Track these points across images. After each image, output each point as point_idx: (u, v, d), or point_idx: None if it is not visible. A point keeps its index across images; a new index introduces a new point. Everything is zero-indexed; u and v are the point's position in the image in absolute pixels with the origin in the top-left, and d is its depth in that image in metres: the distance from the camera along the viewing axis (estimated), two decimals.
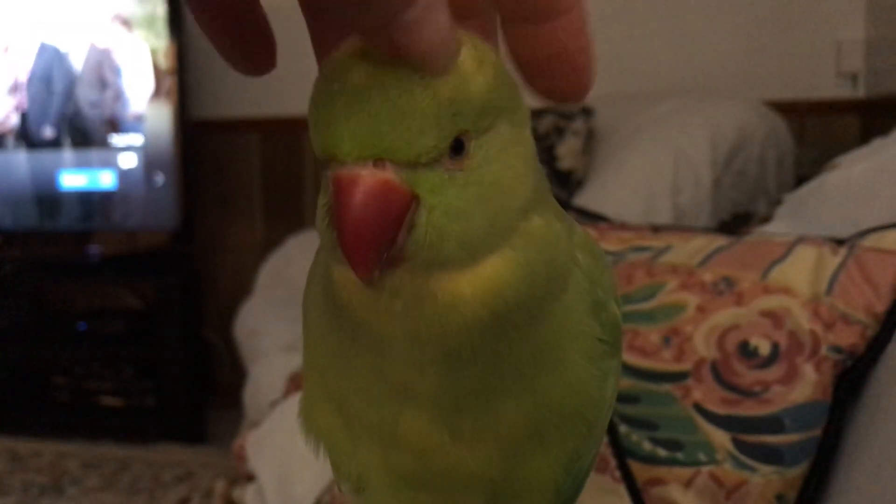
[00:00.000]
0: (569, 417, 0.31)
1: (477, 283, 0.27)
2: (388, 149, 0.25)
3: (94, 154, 2.54)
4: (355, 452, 0.33)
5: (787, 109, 2.04)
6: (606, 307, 0.32)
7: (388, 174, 0.25)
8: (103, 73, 2.51)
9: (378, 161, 0.25)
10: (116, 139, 2.53)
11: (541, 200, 0.29)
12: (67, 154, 2.56)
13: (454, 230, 0.26)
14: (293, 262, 1.99)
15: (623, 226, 0.97)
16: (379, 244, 0.26)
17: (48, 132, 2.56)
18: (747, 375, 0.73)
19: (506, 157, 0.27)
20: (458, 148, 0.26)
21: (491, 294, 0.27)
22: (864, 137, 1.77)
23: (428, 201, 0.26)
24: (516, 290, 0.27)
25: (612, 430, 0.74)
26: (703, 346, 0.75)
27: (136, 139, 2.51)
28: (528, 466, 0.31)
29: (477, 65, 0.26)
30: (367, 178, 0.25)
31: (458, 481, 0.31)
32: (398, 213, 0.26)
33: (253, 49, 0.27)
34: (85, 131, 2.54)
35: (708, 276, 0.79)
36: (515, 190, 0.27)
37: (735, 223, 1.71)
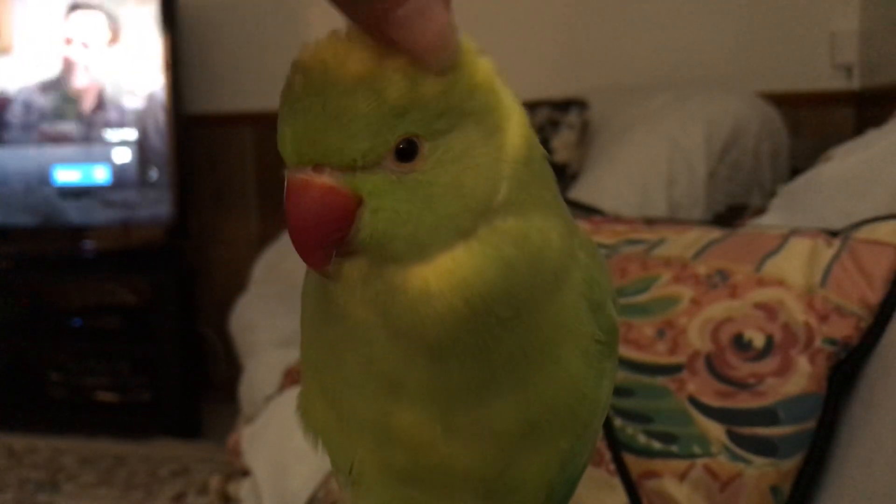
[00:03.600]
0: (563, 415, 0.31)
1: (442, 275, 0.27)
2: (323, 154, 0.26)
3: (88, 149, 2.54)
4: (349, 447, 0.33)
5: (781, 101, 2.04)
6: (603, 308, 0.32)
7: (326, 179, 0.26)
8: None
9: (317, 166, 0.26)
10: (110, 134, 2.52)
11: (525, 201, 0.29)
12: (61, 149, 2.55)
13: (400, 232, 0.27)
14: (288, 256, 1.98)
15: (617, 219, 0.97)
16: (320, 244, 0.27)
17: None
18: (741, 368, 0.73)
19: (468, 159, 0.27)
20: (408, 151, 0.26)
21: (460, 287, 0.27)
22: (859, 129, 1.77)
23: (370, 204, 0.27)
24: (489, 283, 0.27)
25: (606, 424, 0.74)
26: (697, 338, 0.75)
27: (130, 134, 2.51)
28: (522, 464, 0.31)
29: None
30: (305, 183, 0.26)
31: (451, 478, 0.31)
32: (337, 215, 0.27)
33: None
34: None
35: (702, 269, 0.79)
36: (476, 190, 0.27)
37: (730, 215, 1.71)
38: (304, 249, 0.27)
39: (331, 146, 0.26)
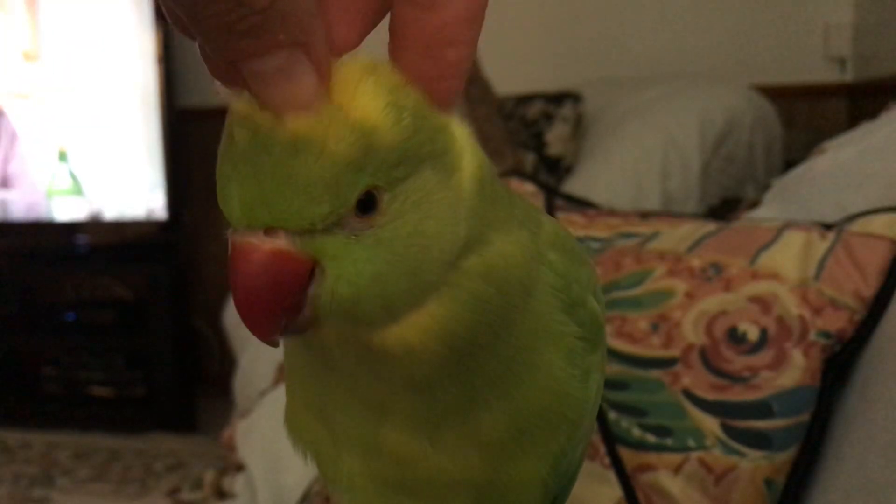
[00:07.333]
0: (551, 419, 0.31)
1: (420, 331, 0.26)
2: (278, 218, 0.24)
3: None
4: (339, 459, 0.32)
5: (775, 94, 2.04)
6: (584, 303, 0.32)
7: (280, 243, 0.24)
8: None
9: (270, 229, 0.24)
10: None
11: (483, 230, 0.27)
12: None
13: (366, 296, 0.25)
14: None
15: (611, 212, 0.96)
16: (271, 314, 0.25)
17: None
18: (736, 361, 0.73)
19: (427, 206, 0.25)
20: (368, 204, 0.24)
21: (440, 337, 0.26)
22: (853, 121, 1.77)
23: (330, 268, 0.24)
24: (465, 324, 0.26)
25: (601, 417, 0.74)
26: (691, 332, 0.75)
27: None
28: (513, 469, 0.31)
29: (387, 113, 0.24)
30: (256, 249, 0.24)
31: (442, 487, 0.31)
32: (291, 283, 0.24)
33: None
34: None
35: (696, 262, 0.79)
36: (439, 238, 0.26)
37: (724, 208, 1.71)
38: (252, 320, 0.25)
39: (287, 209, 0.23)
